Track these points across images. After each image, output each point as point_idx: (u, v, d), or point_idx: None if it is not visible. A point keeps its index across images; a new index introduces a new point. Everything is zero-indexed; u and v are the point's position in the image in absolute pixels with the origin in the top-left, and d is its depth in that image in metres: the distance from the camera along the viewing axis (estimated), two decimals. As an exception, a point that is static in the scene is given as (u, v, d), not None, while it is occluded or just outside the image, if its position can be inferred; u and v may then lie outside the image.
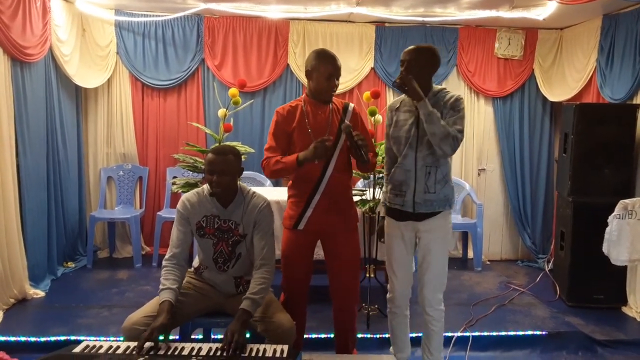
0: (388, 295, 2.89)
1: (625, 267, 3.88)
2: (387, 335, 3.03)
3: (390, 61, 5.29)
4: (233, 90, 4.05)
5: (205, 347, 2.13)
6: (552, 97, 5.26)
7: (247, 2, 4.76)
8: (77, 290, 4.32)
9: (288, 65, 5.27)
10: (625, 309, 4.13)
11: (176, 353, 2.08)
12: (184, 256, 2.53)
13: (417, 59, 2.59)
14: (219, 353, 2.07)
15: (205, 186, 2.56)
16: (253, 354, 2.10)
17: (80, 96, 5.07)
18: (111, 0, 4.84)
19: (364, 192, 3.89)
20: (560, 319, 3.95)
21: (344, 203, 2.78)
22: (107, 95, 5.26)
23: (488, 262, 5.49)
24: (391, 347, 3.00)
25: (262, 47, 5.23)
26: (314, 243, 2.81)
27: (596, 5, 4.08)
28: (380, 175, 3.57)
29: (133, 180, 5.34)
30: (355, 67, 5.30)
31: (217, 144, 4.12)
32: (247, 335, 2.24)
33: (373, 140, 3.23)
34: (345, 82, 5.23)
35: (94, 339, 2.56)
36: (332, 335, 3.03)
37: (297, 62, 5.22)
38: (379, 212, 3.01)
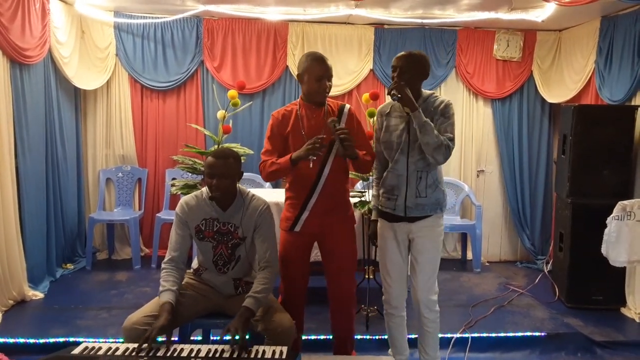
0: (383, 297, 2.89)
1: (624, 268, 3.90)
2: (385, 337, 3.02)
3: (389, 63, 5.16)
4: (232, 92, 4.06)
5: (205, 348, 2.12)
6: (551, 98, 5.26)
7: (246, 4, 4.76)
8: (76, 291, 4.31)
9: (287, 67, 5.28)
10: (624, 310, 4.13)
11: (175, 354, 2.08)
12: (183, 259, 2.53)
13: (409, 65, 2.62)
14: (218, 354, 2.07)
15: (204, 189, 2.56)
16: (252, 355, 2.10)
17: (79, 98, 5.07)
18: (110, 2, 4.84)
19: (363, 194, 3.89)
20: (559, 320, 3.95)
21: (340, 205, 2.78)
22: (106, 97, 5.26)
23: (487, 264, 5.49)
24: (390, 349, 3.00)
25: (261, 49, 5.23)
26: (310, 245, 2.82)
27: (595, 7, 4.08)
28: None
29: (132, 182, 5.33)
30: (354, 68, 5.30)
31: (216, 146, 4.13)
32: (247, 337, 2.23)
33: (372, 142, 3.22)
34: (344, 84, 5.25)
35: (93, 340, 2.55)
36: (330, 337, 3.02)
37: (296, 64, 5.17)
38: (369, 217, 3.02)
